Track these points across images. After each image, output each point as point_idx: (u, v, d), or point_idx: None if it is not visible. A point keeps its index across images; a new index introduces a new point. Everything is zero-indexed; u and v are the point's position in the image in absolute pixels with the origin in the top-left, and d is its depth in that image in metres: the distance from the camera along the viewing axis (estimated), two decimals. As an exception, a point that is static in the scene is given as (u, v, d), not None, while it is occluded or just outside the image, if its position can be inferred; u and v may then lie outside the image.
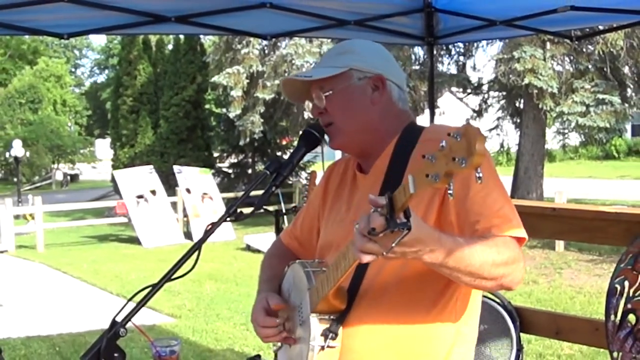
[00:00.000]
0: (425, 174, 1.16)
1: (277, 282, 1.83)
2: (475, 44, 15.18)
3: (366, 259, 1.29)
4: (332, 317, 1.59)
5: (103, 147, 39.97)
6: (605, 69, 13.42)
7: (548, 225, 3.19)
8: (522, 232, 1.52)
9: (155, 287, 1.58)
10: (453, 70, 16.14)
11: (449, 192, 1.15)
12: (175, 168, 15.58)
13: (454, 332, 1.64)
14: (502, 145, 17.83)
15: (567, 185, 18.50)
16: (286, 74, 14.18)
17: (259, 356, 2.70)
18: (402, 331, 1.60)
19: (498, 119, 16.81)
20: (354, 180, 1.79)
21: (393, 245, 1.24)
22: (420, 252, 1.31)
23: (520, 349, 3.15)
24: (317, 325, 1.58)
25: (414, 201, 1.58)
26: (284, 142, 21.12)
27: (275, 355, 1.87)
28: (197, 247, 1.61)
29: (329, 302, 1.57)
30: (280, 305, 1.72)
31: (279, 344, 1.82)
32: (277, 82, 14.19)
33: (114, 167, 20.86)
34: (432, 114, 4.09)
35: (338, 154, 1.84)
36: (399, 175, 1.60)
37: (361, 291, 1.61)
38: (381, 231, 1.23)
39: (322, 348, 1.57)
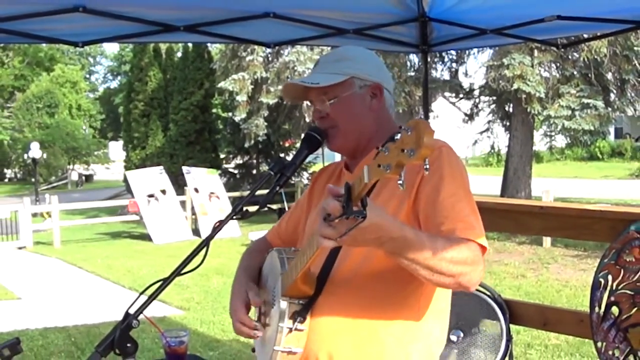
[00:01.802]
0: (377, 164, 1.15)
1: (250, 272, 1.83)
2: (467, 52, 15.17)
3: (325, 243, 1.28)
4: (301, 301, 1.58)
5: (116, 149, 39.98)
6: (589, 75, 13.40)
7: (536, 223, 3.19)
8: (483, 241, 1.49)
9: (166, 281, 1.59)
10: (446, 76, 16.12)
11: (399, 182, 1.12)
12: (184, 169, 15.57)
13: (417, 327, 1.60)
14: (492, 147, 17.88)
15: (553, 184, 18.47)
16: (288, 80, 14.16)
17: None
18: (363, 319, 1.58)
19: (488, 122, 16.83)
20: (339, 179, 1.81)
21: (346, 231, 1.23)
22: (380, 239, 1.29)
23: (509, 339, 3.15)
24: (286, 308, 1.57)
25: (385, 197, 1.57)
26: (286, 144, 21.12)
27: None
28: (206, 243, 1.60)
29: (298, 287, 1.56)
30: (258, 302, 1.71)
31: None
32: (280, 87, 14.17)
33: (126, 168, 20.88)
34: (427, 118, 4.08)
35: (338, 156, 1.84)
36: None
37: (329, 278, 1.60)
38: (337, 217, 1.23)
39: (290, 330, 1.56)
